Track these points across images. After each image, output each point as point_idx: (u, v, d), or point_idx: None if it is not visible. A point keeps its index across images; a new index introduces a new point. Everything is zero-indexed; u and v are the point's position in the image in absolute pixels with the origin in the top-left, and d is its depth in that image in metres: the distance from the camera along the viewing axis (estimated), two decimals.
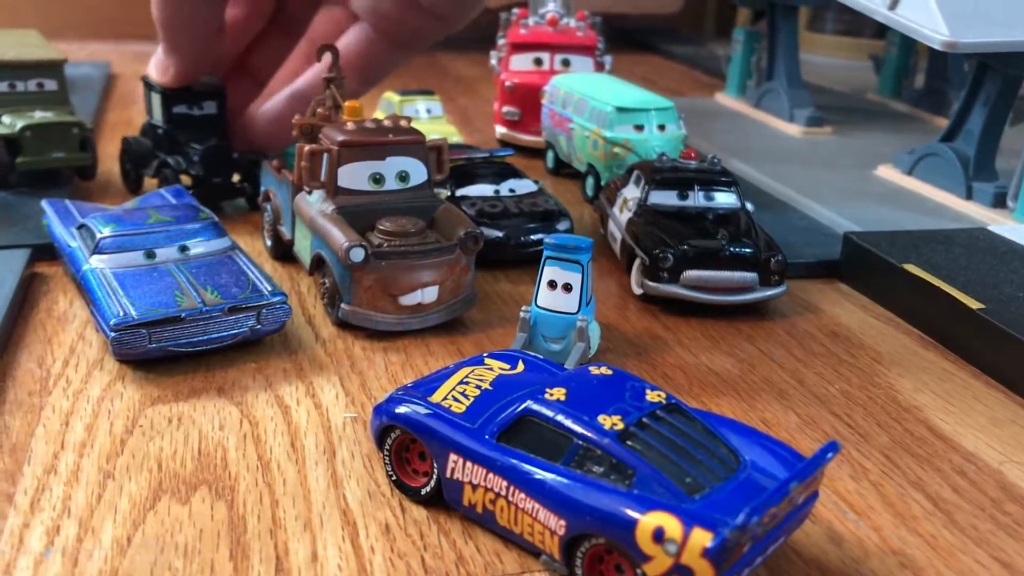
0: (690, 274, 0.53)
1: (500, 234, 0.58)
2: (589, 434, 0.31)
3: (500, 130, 0.86)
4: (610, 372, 0.35)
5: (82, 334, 0.48)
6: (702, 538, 0.27)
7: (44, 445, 0.38)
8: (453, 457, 0.34)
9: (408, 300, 0.48)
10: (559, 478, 0.31)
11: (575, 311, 0.46)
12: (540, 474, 0.31)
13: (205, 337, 0.45)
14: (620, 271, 0.59)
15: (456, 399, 0.35)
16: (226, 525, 0.34)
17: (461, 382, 0.37)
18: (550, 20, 0.86)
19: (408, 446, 0.36)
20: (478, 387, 0.36)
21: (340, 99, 0.55)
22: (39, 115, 0.67)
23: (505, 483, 0.32)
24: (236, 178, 0.66)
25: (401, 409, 0.35)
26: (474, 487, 0.33)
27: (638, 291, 0.55)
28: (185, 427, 0.40)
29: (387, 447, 0.36)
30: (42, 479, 0.36)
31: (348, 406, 0.42)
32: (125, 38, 1.31)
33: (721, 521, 0.28)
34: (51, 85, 0.69)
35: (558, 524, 0.31)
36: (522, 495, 0.32)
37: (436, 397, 0.36)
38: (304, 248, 0.53)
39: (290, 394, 0.43)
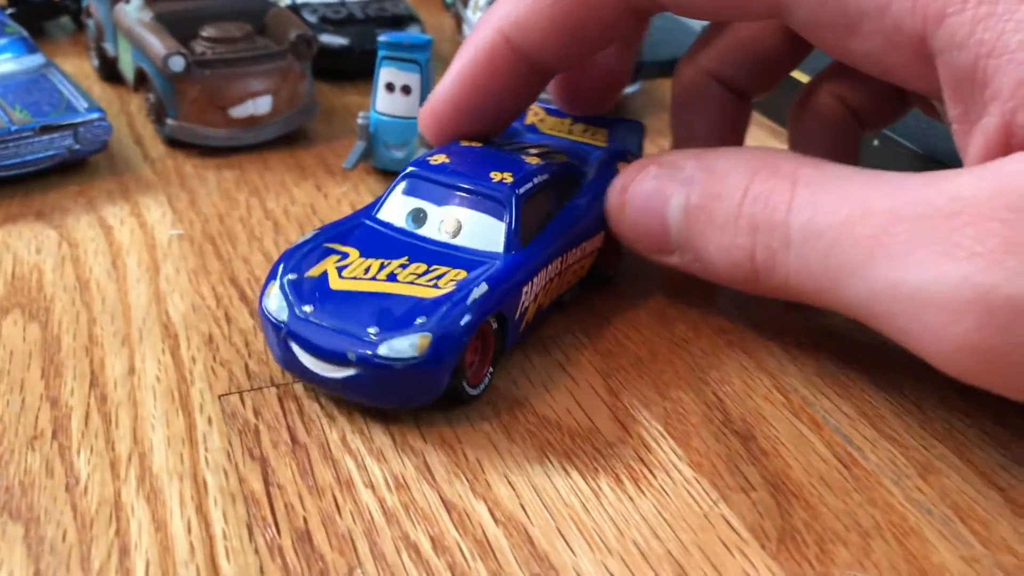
0: None
1: (345, 41, 0.54)
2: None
3: None
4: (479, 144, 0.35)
5: None
6: None
7: None
8: (524, 292, 0.31)
9: (239, 112, 0.45)
10: (584, 206, 0.34)
11: (416, 115, 0.44)
12: (571, 230, 0.33)
13: (17, 160, 0.42)
14: None
15: (434, 284, 0.29)
16: (39, 345, 0.32)
17: (410, 275, 0.30)
18: None
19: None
20: (423, 262, 0.30)
21: None
22: None
23: (559, 260, 0.32)
24: None
25: (469, 314, 0.28)
26: (535, 296, 0.32)
27: None
28: None
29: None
30: None
31: (175, 224, 0.40)
32: None
33: None
34: None
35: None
36: (573, 251, 0.33)
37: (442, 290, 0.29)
38: (127, 63, 0.49)
39: (114, 215, 0.41)
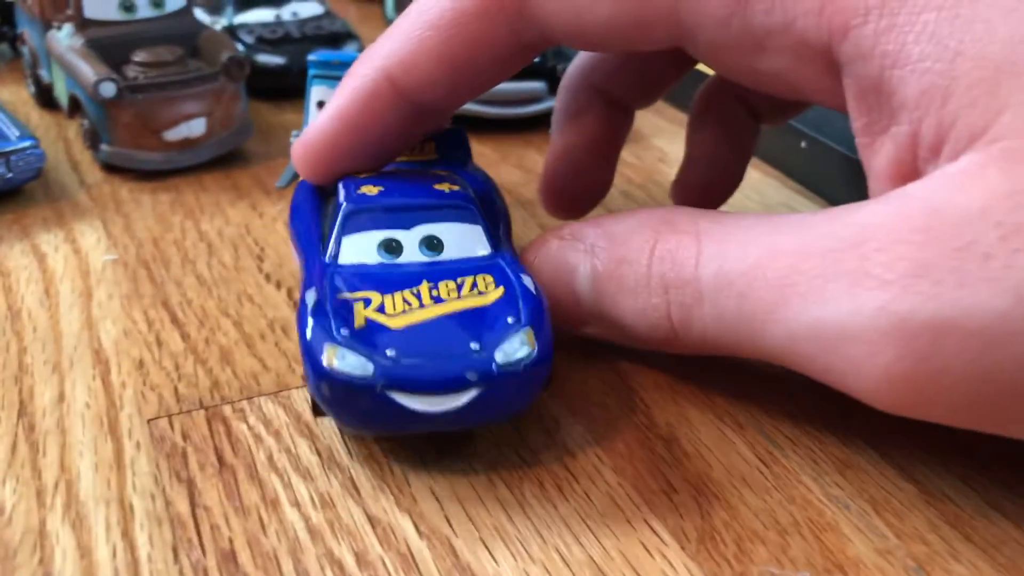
0: None
1: (282, 60, 0.55)
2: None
3: None
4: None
5: None
6: None
7: None
8: None
9: (173, 135, 0.45)
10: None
11: None
12: None
13: None
14: None
15: (480, 293, 0.29)
16: None
17: (450, 292, 0.29)
18: None
19: None
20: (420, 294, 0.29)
21: None
22: None
23: None
24: None
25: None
26: None
27: None
28: None
29: None
30: None
31: (110, 249, 0.40)
32: None
33: None
34: None
35: None
36: None
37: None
38: (61, 90, 0.49)
39: (48, 242, 0.41)
